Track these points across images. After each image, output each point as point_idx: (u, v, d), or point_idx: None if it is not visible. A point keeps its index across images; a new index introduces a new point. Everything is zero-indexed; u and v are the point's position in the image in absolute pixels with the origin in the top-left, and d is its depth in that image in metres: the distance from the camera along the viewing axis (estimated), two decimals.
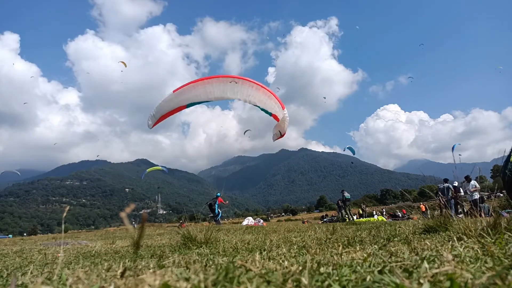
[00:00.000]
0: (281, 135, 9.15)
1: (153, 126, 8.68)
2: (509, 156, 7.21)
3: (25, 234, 59.95)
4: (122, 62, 27.03)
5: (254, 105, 8.70)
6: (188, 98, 8.44)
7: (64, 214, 1.94)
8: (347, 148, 26.81)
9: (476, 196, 13.01)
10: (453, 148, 24.75)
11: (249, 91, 8.37)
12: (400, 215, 30.06)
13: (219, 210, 17.22)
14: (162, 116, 8.71)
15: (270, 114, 8.62)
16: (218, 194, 17.73)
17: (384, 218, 22.06)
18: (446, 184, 14.00)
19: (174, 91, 8.39)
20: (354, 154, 27.36)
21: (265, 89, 8.51)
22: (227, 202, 18.15)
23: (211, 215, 17.61)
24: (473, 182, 13.37)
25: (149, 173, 27.35)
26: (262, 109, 8.62)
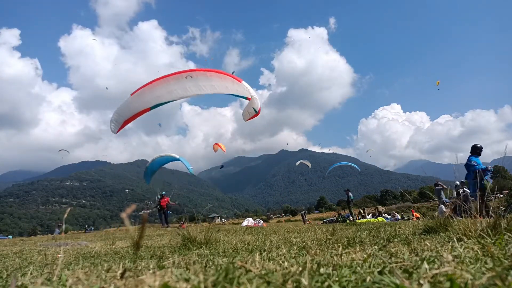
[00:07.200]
0: (256, 113, 8.05)
1: (117, 132, 8.27)
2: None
3: (30, 235, 59.84)
4: None
5: (227, 94, 7.94)
6: (149, 100, 7.85)
7: (65, 216, 1.94)
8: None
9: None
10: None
11: (212, 82, 7.56)
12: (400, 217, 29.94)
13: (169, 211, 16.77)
14: (125, 120, 8.21)
15: (246, 97, 7.82)
16: (164, 193, 16.97)
17: (384, 219, 22.01)
18: (438, 187, 14.63)
19: (132, 94, 7.83)
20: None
21: (223, 73, 7.69)
22: (175, 202, 17.89)
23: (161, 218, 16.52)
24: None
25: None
26: (236, 95, 7.91)
